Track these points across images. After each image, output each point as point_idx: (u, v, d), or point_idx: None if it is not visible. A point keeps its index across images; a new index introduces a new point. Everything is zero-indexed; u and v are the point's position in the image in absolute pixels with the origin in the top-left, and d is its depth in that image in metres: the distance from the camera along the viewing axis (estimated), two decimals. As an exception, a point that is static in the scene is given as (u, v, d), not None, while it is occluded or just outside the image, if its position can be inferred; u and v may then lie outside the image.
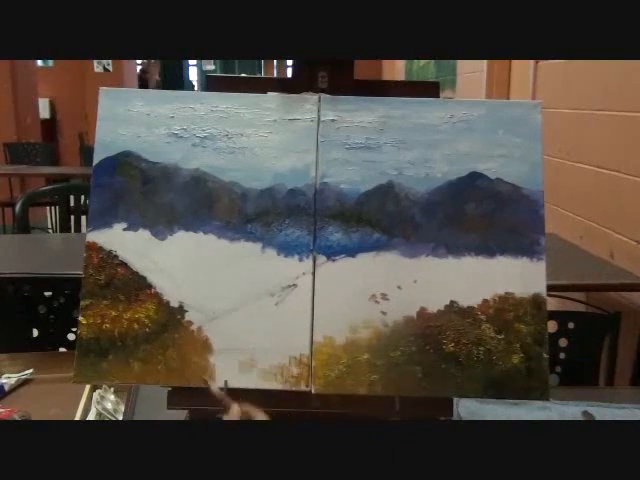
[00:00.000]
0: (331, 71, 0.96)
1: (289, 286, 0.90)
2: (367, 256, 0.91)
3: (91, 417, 1.09)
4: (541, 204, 0.92)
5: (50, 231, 4.35)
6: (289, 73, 0.99)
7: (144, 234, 0.92)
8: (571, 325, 1.57)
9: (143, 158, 0.93)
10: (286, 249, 0.91)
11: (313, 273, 0.90)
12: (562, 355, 1.57)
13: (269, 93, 0.95)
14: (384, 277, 0.91)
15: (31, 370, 1.24)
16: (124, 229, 0.92)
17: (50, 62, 7.52)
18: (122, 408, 1.10)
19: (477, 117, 0.94)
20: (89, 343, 0.89)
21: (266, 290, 0.90)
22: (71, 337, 1.65)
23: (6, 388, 1.19)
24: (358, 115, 0.94)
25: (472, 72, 3.62)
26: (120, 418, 1.08)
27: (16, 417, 1.06)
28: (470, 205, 0.92)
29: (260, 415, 0.83)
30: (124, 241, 0.91)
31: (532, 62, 2.74)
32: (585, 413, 1.11)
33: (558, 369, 1.56)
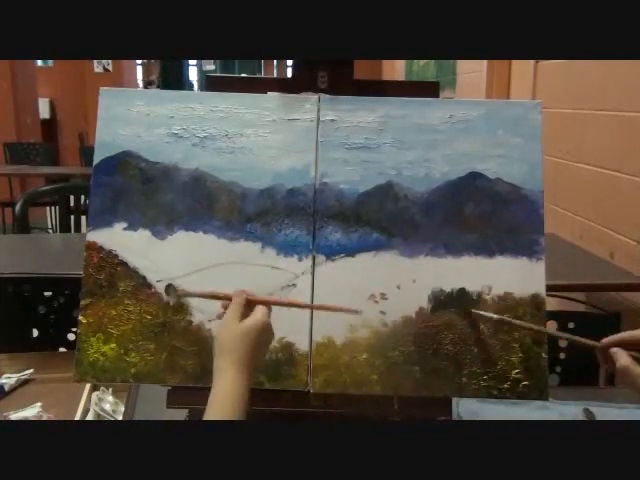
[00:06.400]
0: (331, 71, 0.96)
1: (288, 286, 0.90)
2: (366, 256, 0.91)
3: (90, 418, 1.08)
4: (540, 204, 0.92)
5: (50, 231, 4.34)
6: (289, 73, 0.99)
7: (144, 234, 0.92)
8: (571, 325, 1.57)
9: (143, 158, 0.93)
10: (285, 249, 0.91)
11: (312, 273, 0.90)
12: (562, 355, 1.57)
13: (269, 93, 0.95)
14: (383, 277, 0.91)
15: (31, 370, 1.24)
16: (124, 229, 0.92)
17: (50, 62, 7.52)
18: (121, 409, 1.10)
19: (477, 117, 0.94)
20: (89, 342, 0.89)
21: (266, 290, 0.90)
22: (71, 337, 1.65)
23: (6, 388, 1.19)
24: (358, 115, 0.94)
25: (472, 72, 3.62)
26: (119, 418, 1.08)
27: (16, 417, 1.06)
28: (469, 205, 0.92)
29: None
30: (124, 241, 0.91)
31: (532, 62, 2.73)
32: (586, 410, 1.11)
33: (558, 369, 1.56)
